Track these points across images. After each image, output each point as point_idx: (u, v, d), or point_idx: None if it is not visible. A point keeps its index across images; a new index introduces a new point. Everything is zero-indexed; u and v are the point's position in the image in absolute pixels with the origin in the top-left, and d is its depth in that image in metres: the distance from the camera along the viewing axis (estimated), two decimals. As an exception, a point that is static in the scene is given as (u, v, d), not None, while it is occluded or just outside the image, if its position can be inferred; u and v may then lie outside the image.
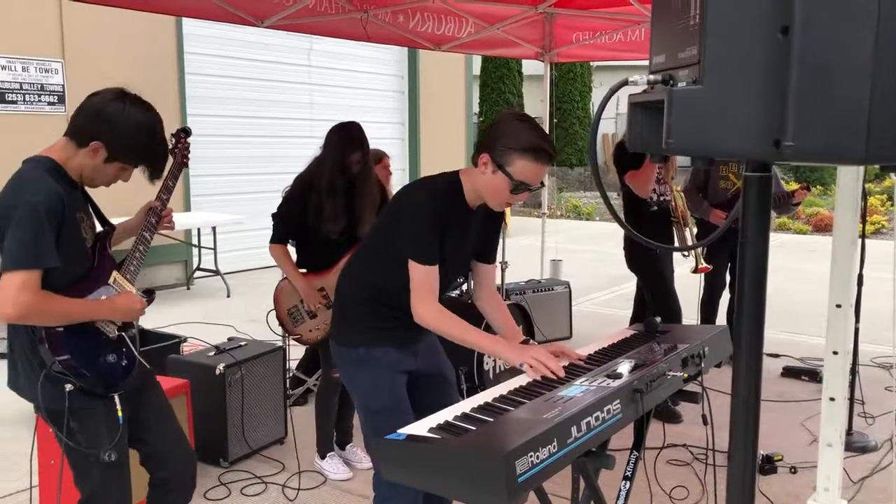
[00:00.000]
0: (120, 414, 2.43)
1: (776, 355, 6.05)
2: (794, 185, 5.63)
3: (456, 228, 2.58)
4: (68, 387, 2.35)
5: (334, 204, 3.78)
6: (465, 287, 5.25)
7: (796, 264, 10.68)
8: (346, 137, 3.82)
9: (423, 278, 2.49)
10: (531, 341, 2.68)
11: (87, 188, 2.51)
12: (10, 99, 7.43)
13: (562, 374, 2.27)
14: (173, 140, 2.77)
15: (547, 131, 7.45)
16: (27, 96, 7.58)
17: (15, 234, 2.20)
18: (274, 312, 4.14)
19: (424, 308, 2.50)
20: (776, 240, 13.12)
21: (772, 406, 4.96)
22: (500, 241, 5.94)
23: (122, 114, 2.34)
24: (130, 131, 2.35)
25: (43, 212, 2.21)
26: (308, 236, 3.93)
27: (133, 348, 2.54)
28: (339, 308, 2.76)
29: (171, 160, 2.67)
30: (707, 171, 5.37)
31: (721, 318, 5.82)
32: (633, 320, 5.31)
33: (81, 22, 7.68)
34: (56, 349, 2.34)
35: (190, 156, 2.81)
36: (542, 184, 2.54)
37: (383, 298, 2.63)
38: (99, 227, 2.59)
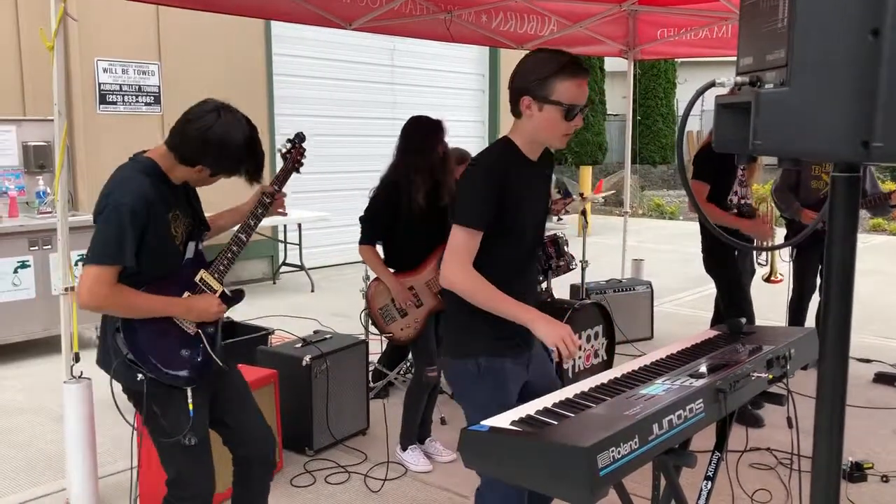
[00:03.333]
0: (191, 407, 2.52)
1: (867, 360, 5.84)
2: (891, 185, 5.41)
3: (519, 180, 2.54)
4: (139, 376, 2.49)
5: (423, 178, 3.98)
6: (544, 285, 5.27)
7: (891, 267, 10.25)
8: (425, 126, 4.12)
9: (460, 243, 2.44)
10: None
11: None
12: (110, 100, 7.82)
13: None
14: (288, 145, 2.97)
15: (630, 129, 7.42)
16: (126, 97, 7.96)
17: (100, 229, 2.40)
18: (367, 311, 4.27)
19: (454, 269, 2.43)
20: (870, 241, 12.60)
21: (862, 413, 4.81)
22: (581, 239, 5.97)
23: (224, 138, 2.45)
24: (233, 153, 2.48)
25: (127, 213, 2.36)
26: (396, 237, 4.07)
27: (208, 346, 2.61)
28: (452, 320, 2.67)
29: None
30: (799, 170, 5.22)
31: (810, 321, 5.66)
32: (714, 322, 5.23)
33: (176, 26, 8.02)
34: (130, 341, 2.48)
35: (304, 161, 3.02)
36: (588, 103, 2.49)
37: None
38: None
